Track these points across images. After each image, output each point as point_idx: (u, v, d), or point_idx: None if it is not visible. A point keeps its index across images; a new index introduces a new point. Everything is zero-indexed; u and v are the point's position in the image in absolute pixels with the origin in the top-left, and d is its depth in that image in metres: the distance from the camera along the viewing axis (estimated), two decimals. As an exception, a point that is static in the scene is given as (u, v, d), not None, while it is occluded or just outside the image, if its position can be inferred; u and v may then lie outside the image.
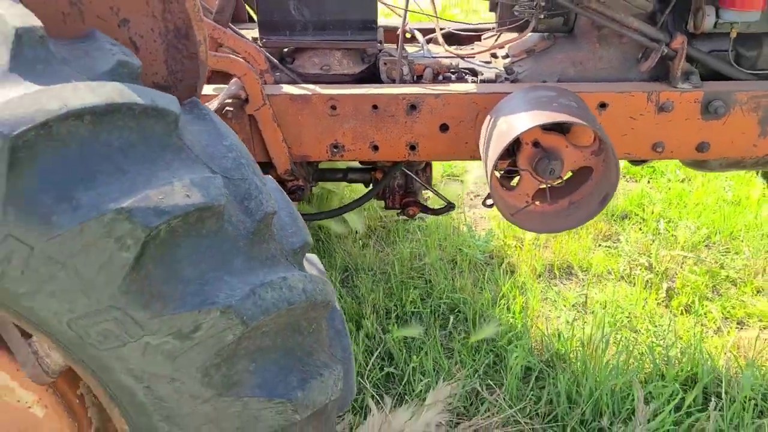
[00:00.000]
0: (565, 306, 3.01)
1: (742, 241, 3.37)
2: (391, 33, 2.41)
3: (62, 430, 1.40)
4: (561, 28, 2.18)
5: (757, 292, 3.09)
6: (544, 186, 1.86)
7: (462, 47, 2.40)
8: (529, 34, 2.18)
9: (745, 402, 2.34)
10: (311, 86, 2.05)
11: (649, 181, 3.98)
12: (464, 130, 2.04)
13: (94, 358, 1.20)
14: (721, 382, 2.41)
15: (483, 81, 2.16)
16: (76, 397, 1.44)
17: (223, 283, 1.18)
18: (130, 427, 1.33)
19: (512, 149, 1.89)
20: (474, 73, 2.22)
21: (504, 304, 2.97)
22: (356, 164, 2.49)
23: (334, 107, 2.02)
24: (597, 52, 2.12)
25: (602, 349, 2.54)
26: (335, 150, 2.07)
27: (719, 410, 2.28)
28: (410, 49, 2.34)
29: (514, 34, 2.27)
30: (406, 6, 2.11)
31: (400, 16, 2.28)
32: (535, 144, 1.84)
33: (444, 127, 2.04)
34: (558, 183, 1.97)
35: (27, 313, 1.15)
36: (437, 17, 2.32)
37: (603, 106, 2.01)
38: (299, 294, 1.27)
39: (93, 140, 1.10)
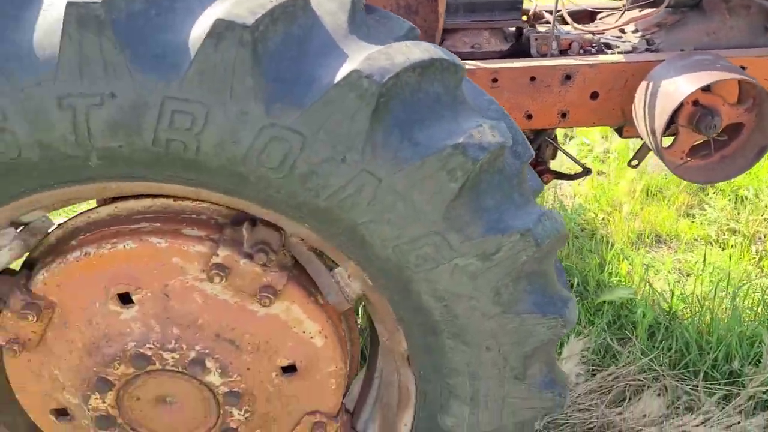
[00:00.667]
0: (665, 270, 3.21)
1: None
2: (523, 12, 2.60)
3: (334, 359, 1.58)
4: (689, 2, 2.39)
5: (842, 250, 3.30)
6: (703, 140, 2.06)
7: (588, 25, 2.61)
8: (661, 9, 2.38)
9: None
10: (472, 62, 2.25)
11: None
12: (614, 97, 2.24)
13: (404, 282, 1.38)
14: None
15: (621, 53, 2.36)
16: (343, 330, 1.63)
17: (513, 213, 1.37)
18: (410, 348, 1.51)
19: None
20: (609, 47, 2.42)
21: (610, 270, 3.16)
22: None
23: (495, 80, 2.21)
24: (728, 23, 2.33)
25: (722, 301, 2.74)
26: (493, 119, 2.26)
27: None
28: (540, 28, 2.54)
29: (635, 12, 2.47)
30: (555, -14, 2.31)
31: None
32: (695, 103, 2.04)
33: (594, 95, 2.23)
34: (704, 140, 2.17)
35: (356, 240, 1.33)
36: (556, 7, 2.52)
37: (743, 68, 2.21)
38: (561, 225, 1.46)
39: (419, 89, 1.29)
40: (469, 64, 2.22)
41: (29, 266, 1.53)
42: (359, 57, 1.19)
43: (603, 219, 3.62)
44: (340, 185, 1.25)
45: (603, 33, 2.49)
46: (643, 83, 2.13)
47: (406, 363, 1.57)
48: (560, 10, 2.46)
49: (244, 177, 1.25)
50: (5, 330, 1.48)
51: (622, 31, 2.51)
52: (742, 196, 3.67)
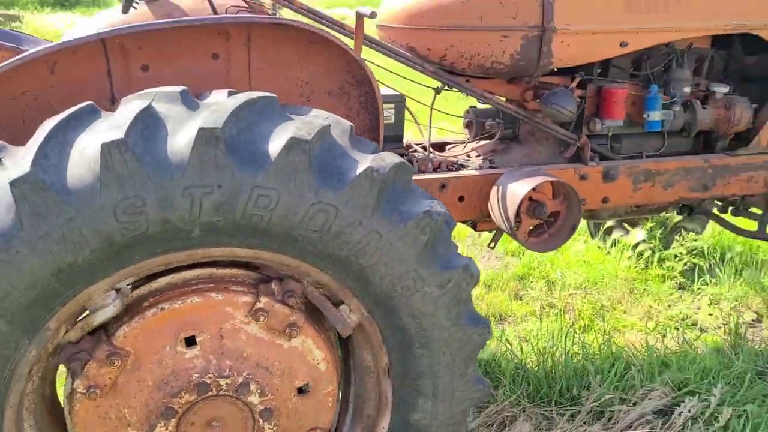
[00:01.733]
0: (512, 337, 4.14)
1: (605, 281, 4.83)
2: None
3: (332, 380, 2.17)
4: (510, 136, 3.50)
5: (624, 312, 4.50)
6: (539, 222, 3.05)
7: (444, 153, 3.61)
8: (493, 141, 3.46)
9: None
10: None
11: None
12: (475, 199, 3.19)
13: (392, 307, 2.07)
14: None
15: (475, 169, 3.36)
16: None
17: (456, 256, 2.15)
18: (391, 361, 2.17)
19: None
20: (464, 167, 3.41)
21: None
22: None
23: (394, 189, 3.05)
24: (536, 148, 3.45)
25: (556, 350, 3.69)
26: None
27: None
28: (414, 154, 3.49)
29: (474, 143, 3.54)
30: (430, 123, 3.26)
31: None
32: (530, 199, 3.05)
33: (461, 198, 3.17)
34: (539, 222, 3.15)
35: (363, 279, 2.01)
36: (429, 141, 3.52)
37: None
38: (477, 267, 2.27)
39: (397, 179, 2.06)
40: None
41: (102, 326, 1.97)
42: (367, 160, 1.95)
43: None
44: (358, 240, 1.95)
45: (457, 158, 3.50)
46: (494, 188, 3.10)
47: (387, 375, 2.21)
48: (411, 143, 3.44)
49: (295, 238, 1.90)
50: (87, 378, 1.89)
51: (469, 156, 3.54)
52: (550, 279, 4.82)
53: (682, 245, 5.03)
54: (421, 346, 2.15)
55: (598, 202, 3.43)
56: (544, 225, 3.12)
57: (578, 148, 3.40)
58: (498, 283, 4.84)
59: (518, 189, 2.97)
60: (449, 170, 3.32)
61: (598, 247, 5.38)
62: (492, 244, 3.39)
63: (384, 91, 3.28)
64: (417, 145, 3.32)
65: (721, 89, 3.53)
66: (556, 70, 3.30)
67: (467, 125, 3.56)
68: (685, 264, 5.00)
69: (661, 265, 5.02)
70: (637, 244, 5.02)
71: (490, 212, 3.13)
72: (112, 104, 2.27)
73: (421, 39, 3.05)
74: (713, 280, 4.88)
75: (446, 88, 3.22)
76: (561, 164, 3.39)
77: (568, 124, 3.44)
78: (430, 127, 3.23)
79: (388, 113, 3.23)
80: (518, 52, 3.05)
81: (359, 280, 2.02)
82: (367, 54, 3.34)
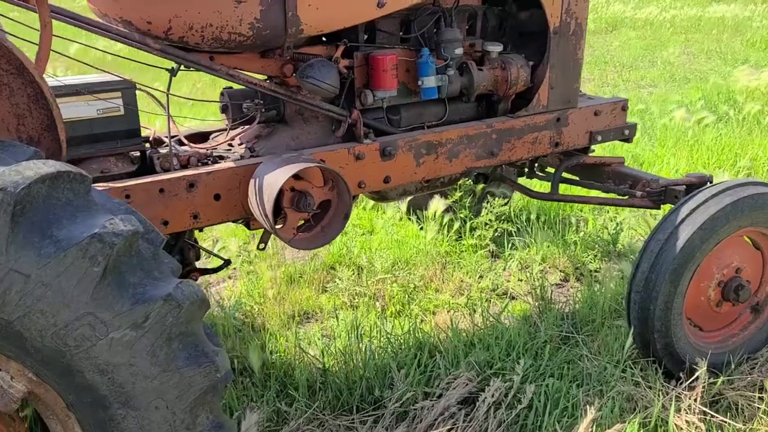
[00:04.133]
0: (315, 338, 3.76)
1: (416, 260, 4.59)
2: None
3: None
4: (275, 118, 3.05)
5: (436, 291, 4.28)
6: (306, 217, 2.65)
7: (203, 144, 3.10)
8: (256, 125, 3.01)
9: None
10: (103, 183, 2.52)
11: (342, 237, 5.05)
12: (233, 196, 2.72)
13: (67, 366, 1.57)
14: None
15: (233, 161, 2.89)
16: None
17: (155, 285, 1.68)
18: (86, 429, 1.67)
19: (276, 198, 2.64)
20: (222, 158, 2.93)
21: (270, 348, 3.59)
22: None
23: (128, 196, 2.51)
24: (305, 129, 3.04)
25: (359, 346, 3.35)
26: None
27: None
28: (162, 150, 2.95)
29: (240, 130, 3.06)
30: (168, 114, 2.73)
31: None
32: (292, 189, 2.63)
33: (217, 197, 2.69)
34: (307, 216, 2.76)
35: (13, 338, 1.49)
36: (170, 134, 2.99)
37: (322, 161, 2.90)
38: (199, 290, 1.81)
39: (52, 196, 1.54)
40: (101, 186, 2.50)
41: None
42: (-8, 173, 1.41)
43: (258, 309, 4.07)
44: (-11, 287, 1.41)
45: (216, 148, 3.00)
46: (251, 181, 2.65)
47: (85, 446, 1.71)
48: (176, 135, 2.91)
49: None
50: None
51: (231, 145, 3.06)
52: (359, 266, 4.49)
53: (490, 212, 4.90)
54: (122, 405, 1.67)
55: (380, 182, 3.09)
56: (312, 218, 2.72)
57: (350, 125, 3.03)
58: (305, 276, 4.44)
59: (274, 180, 2.54)
60: (203, 164, 2.83)
61: (409, 219, 5.15)
62: (261, 245, 2.95)
63: (106, 77, 2.70)
64: (170, 137, 2.78)
65: (495, 48, 3.31)
66: (315, 37, 2.89)
67: (224, 109, 3.07)
68: (495, 231, 4.88)
69: (473, 235, 4.87)
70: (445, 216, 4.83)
71: (251, 209, 2.68)
72: None
73: (137, 10, 2.50)
74: (522, 244, 4.80)
75: (183, 68, 2.70)
76: (333, 145, 3.01)
77: (338, 99, 3.06)
78: (168, 117, 2.71)
79: (114, 104, 2.66)
80: (259, 20, 2.59)
81: (8, 338, 1.49)
82: (89, 37, 2.75)
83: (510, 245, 4.78)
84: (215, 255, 3.06)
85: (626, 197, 3.68)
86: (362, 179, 3.03)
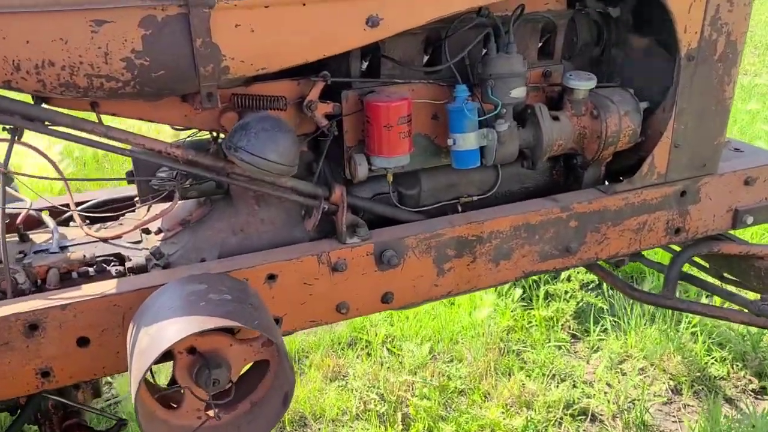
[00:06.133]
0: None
1: (462, 344, 3.39)
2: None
3: None
4: (216, 190, 1.93)
5: (485, 398, 3.08)
6: (209, 399, 1.52)
7: (109, 224, 2.03)
8: (181, 202, 1.90)
9: None
10: None
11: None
12: (111, 339, 1.65)
13: None
14: None
15: (131, 269, 1.80)
16: None
17: None
18: None
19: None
20: (121, 259, 1.85)
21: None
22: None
23: None
24: (257, 215, 1.90)
25: None
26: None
27: None
28: (39, 238, 1.91)
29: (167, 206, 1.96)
30: (3, 189, 1.66)
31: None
32: (192, 351, 1.51)
33: (83, 341, 1.62)
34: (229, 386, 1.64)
35: None
36: (70, 193, 1.94)
37: (272, 277, 1.76)
38: None
39: None
40: None
41: None
42: None
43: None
44: None
45: (122, 237, 1.93)
46: (131, 324, 1.56)
47: None
48: (37, 213, 1.86)
49: None
50: None
51: (147, 231, 1.97)
52: (381, 356, 3.34)
53: (574, 278, 3.61)
54: None
55: (374, 303, 1.93)
56: (233, 388, 1.59)
57: (327, 211, 1.87)
58: (311, 359, 3.35)
59: (158, 338, 1.43)
60: (80, 277, 1.76)
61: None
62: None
63: None
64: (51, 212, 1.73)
65: (584, 85, 2.01)
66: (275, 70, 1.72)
67: (130, 179, 1.96)
68: (579, 303, 3.58)
69: (547, 305, 3.60)
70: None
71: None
72: None
73: None
74: (615, 327, 3.48)
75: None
76: (294, 248, 1.85)
77: (312, 166, 1.90)
78: (3, 194, 1.63)
79: None
80: (141, 54, 1.46)
81: None
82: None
83: (598, 327, 3.47)
84: (101, 413, 2.01)
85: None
86: (344, 300, 1.87)
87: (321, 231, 1.93)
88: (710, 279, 2.72)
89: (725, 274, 2.62)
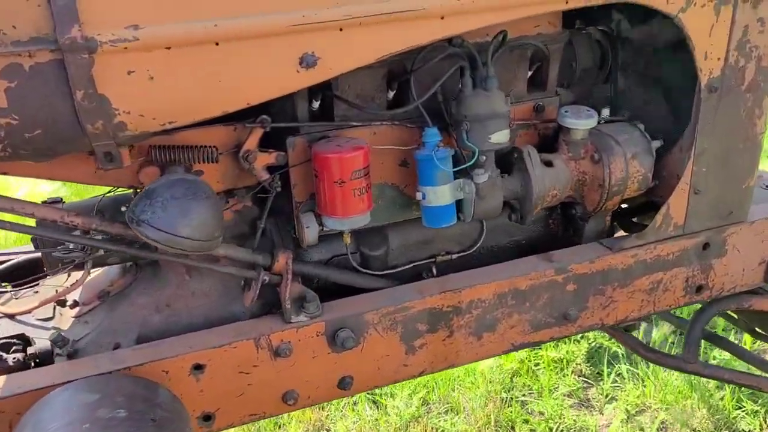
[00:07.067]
0: None
1: (460, 392, 3.05)
2: None
3: None
4: (131, 259, 1.62)
5: (484, 456, 2.75)
6: None
7: (23, 292, 1.74)
8: (104, 269, 1.61)
9: None
10: None
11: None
12: (-4, 451, 1.36)
13: None
14: None
15: (34, 357, 1.51)
16: None
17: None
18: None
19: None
20: (27, 341, 1.56)
21: None
22: None
23: None
24: (188, 287, 1.59)
25: None
26: None
27: None
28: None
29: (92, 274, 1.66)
30: None
31: None
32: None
33: (-40, 454, 1.33)
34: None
35: None
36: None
37: (199, 368, 1.45)
38: None
39: None
40: None
41: None
42: None
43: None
44: None
45: (30, 312, 1.63)
46: (13, 439, 1.26)
47: None
48: None
49: None
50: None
51: (62, 303, 1.67)
52: (369, 402, 3.02)
53: (584, 316, 3.25)
54: None
55: (330, 390, 1.61)
56: None
57: (269, 283, 1.55)
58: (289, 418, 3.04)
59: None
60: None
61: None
62: None
63: None
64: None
65: (582, 124, 1.66)
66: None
67: (36, 245, 1.66)
68: (591, 345, 3.23)
69: (557, 346, 3.26)
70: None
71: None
72: None
73: None
74: (632, 375, 3.12)
75: None
76: (228, 329, 1.53)
77: (255, 223, 1.59)
78: None
79: None
80: (7, 112, 1.15)
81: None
82: None
83: (613, 371, 3.12)
84: None
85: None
86: (291, 389, 1.56)
87: (266, 304, 1.61)
88: (734, 338, 2.36)
89: (757, 329, 2.26)
